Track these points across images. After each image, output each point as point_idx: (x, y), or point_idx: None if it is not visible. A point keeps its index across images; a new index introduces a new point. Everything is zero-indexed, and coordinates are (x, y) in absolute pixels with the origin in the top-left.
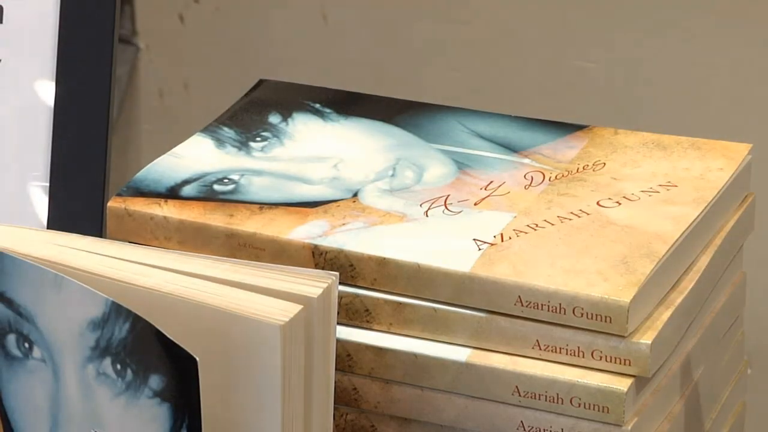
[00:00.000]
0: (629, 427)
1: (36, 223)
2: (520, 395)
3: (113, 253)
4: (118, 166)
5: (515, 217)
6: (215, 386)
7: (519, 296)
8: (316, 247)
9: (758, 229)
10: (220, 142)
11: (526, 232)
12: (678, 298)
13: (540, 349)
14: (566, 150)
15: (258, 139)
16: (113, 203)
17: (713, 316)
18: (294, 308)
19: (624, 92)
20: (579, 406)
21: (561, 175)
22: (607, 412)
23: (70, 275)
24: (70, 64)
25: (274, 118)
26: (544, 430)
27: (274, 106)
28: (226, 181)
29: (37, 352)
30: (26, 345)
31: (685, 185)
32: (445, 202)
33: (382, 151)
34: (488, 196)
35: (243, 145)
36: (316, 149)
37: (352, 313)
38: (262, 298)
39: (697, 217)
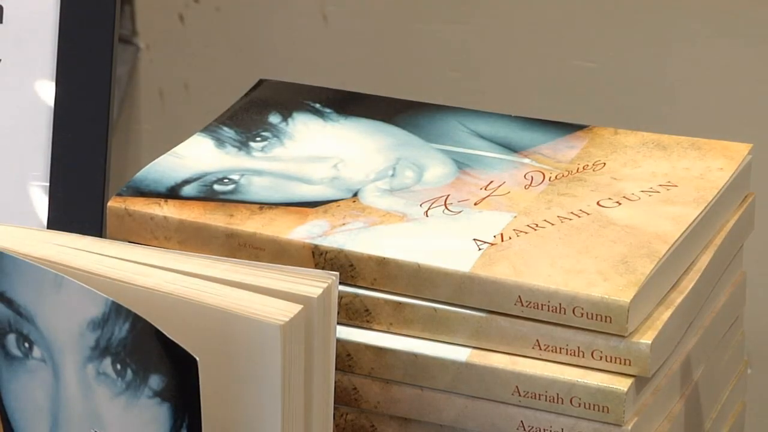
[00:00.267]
0: (629, 427)
1: (36, 223)
2: (520, 395)
3: (113, 253)
4: (118, 166)
5: (515, 217)
6: (215, 386)
7: (519, 296)
8: (316, 247)
9: (758, 229)
10: (220, 142)
11: (526, 232)
12: (678, 298)
13: (540, 349)
14: (566, 150)
15: (258, 138)
16: (113, 203)
17: (713, 316)
18: (294, 308)
19: (624, 92)
20: (579, 406)
21: (561, 175)
22: (607, 412)
23: (70, 275)
24: (70, 64)
25: (274, 118)
26: (544, 430)
27: (274, 106)
28: (226, 181)
29: (37, 352)
30: (26, 345)
31: (685, 185)
32: (445, 202)
33: (382, 150)
34: (488, 196)
35: (243, 145)
36: (316, 149)
37: (352, 313)
38: (262, 298)
39: (697, 217)
